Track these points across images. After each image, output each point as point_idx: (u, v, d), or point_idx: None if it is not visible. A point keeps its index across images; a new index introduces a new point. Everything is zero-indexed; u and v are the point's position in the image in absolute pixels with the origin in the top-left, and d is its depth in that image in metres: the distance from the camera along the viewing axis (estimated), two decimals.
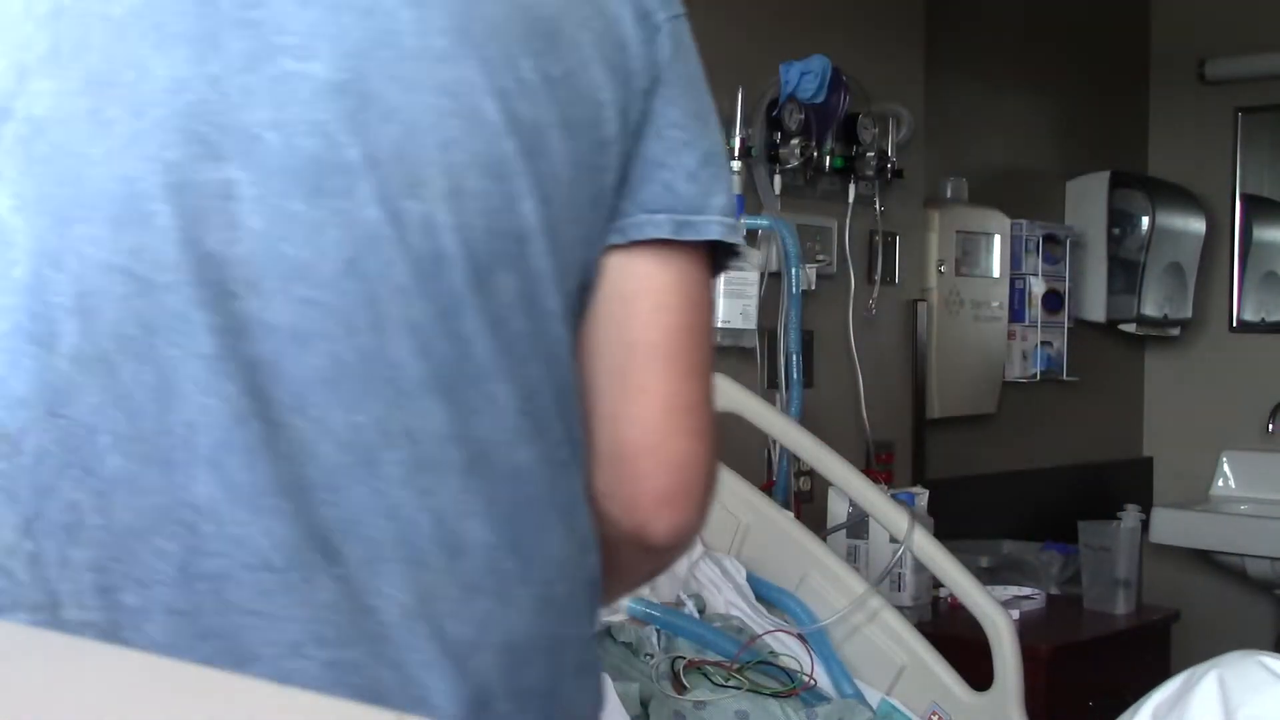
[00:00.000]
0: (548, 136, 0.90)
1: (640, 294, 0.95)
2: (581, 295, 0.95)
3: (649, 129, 0.95)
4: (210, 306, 0.85)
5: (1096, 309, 4.04)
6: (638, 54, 0.95)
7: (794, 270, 2.87)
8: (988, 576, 3.03)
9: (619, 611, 1.98)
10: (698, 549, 2.25)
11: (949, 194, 3.56)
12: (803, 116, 2.93)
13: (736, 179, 2.78)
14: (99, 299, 0.85)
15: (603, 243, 0.95)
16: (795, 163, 2.92)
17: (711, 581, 2.22)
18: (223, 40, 0.87)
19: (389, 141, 0.86)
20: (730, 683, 1.92)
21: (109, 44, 0.88)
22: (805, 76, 2.88)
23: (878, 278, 3.20)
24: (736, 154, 2.78)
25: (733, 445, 2.59)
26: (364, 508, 0.85)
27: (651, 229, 0.95)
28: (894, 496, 2.47)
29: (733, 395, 2.34)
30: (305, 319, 0.85)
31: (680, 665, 1.91)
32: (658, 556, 1.03)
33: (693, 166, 0.96)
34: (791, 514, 2.48)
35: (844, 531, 2.72)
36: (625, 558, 1.00)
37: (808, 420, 2.79)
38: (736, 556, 2.31)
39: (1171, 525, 4.02)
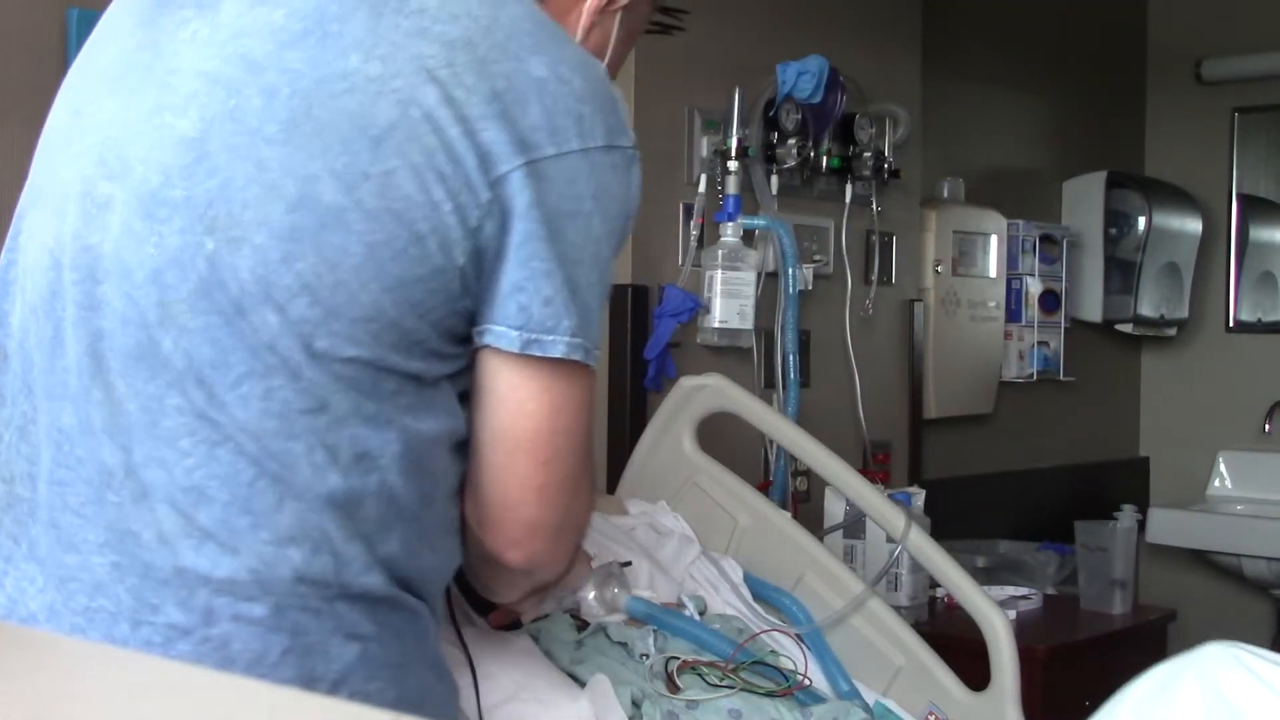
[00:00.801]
0: (346, 217, 1.12)
1: (509, 397, 1.20)
2: (432, 358, 1.17)
3: (513, 255, 1.16)
4: (80, 286, 1.17)
5: (1093, 309, 4.04)
6: (477, 179, 1.14)
7: (791, 270, 2.87)
8: (984, 576, 3.03)
9: (618, 613, 1.97)
10: (694, 549, 2.25)
11: (946, 194, 3.56)
12: (800, 116, 2.93)
13: (733, 179, 2.78)
14: (35, 267, 1.20)
15: (447, 318, 1.17)
16: (792, 163, 2.92)
17: (708, 581, 2.21)
18: (143, 93, 1.18)
19: (205, 191, 1.14)
20: (725, 683, 1.92)
21: (90, 85, 1.24)
22: (802, 76, 2.88)
23: (874, 278, 3.19)
24: (734, 154, 2.78)
25: (730, 445, 2.59)
26: (145, 456, 1.13)
27: (505, 342, 1.18)
28: (891, 496, 2.47)
29: (730, 395, 2.34)
30: (127, 308, 1.14)
31: (674, 665, 1.91)
32: (525, 575, 1.32)
33: (549, 293, 1.17)
34: (789, 514, 2.48)
35: (841, 531, 2.72)
36: (499, 570, 1.29)
37: (805, 420, 2.79)
38: (733, 556, 2.31)
39: (1168, 525, 4.02)
